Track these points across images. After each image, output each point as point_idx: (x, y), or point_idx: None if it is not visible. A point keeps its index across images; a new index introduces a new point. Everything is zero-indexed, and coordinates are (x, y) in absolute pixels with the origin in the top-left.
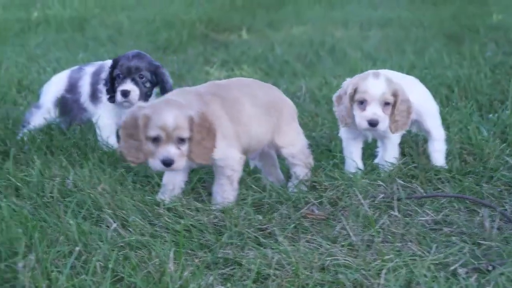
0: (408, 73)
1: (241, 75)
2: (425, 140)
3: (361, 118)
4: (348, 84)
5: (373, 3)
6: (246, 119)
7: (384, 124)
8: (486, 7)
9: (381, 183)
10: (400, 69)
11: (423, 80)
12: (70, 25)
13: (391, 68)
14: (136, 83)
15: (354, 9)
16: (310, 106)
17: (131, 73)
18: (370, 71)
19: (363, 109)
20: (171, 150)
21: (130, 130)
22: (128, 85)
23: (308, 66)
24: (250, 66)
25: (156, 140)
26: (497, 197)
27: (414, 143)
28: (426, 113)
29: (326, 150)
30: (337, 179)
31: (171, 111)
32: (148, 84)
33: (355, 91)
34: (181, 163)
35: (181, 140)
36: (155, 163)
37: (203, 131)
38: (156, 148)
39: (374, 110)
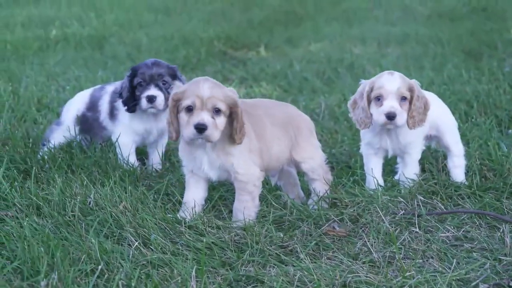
0: (427, 89)
1: (259, 92)
2: (445, 156)
3: (378, 113)
4: (364, 85)
5: (390, 20)
6: (268, 137)
7: (402, 117)
8: (503, 23)
9: (401, 199)
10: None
11: (441, 96)
12: (89, 43)
13: None
14: (160, 88)
15: (371, 26)
16: (329, 123)
17: (154, 80)
18: (385, 71)
19: (381, 104)
20: (204, 117)
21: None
22: (153, 91)
23: (326, 83)
24: (269, 83)
25: (189, 109)
26: None
27: (434, 159)
28: (445, 129)
29: (346, 166)
30: (358, 195)
31: (207, 83)
32: (170, 89)
33: (371, 89)
34: (214, 133)
35: (217, 111)
36: (189, 131)
37: (242, 115)
38: (190, 117)
39: (391, 104)
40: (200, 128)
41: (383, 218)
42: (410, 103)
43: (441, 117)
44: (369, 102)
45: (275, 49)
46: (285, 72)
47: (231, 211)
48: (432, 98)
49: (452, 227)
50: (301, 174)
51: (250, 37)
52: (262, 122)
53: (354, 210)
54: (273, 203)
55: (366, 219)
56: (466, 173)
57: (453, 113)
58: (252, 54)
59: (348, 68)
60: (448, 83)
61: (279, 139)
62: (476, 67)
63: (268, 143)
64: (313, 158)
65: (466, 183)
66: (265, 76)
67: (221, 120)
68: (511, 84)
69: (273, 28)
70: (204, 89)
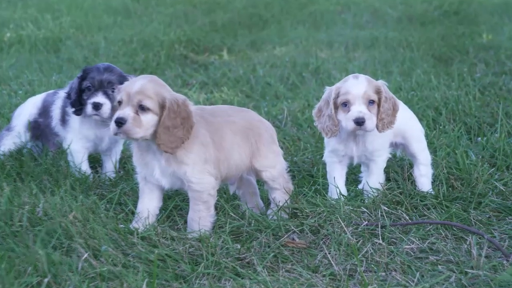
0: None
1: (220, 98)
2: (411, 165)
3: (347, 119)
4: (329, 91)
5: (359, 23)
6: (228, 146)
7: (371, 122)
8: (475, 27)
9: (365, 209)
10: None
11: (409, 102)
12: (44, 46)
13: None
14: (107, 96)
15: (339, 29)
16: (292, 130)
17: (103, 86)
18: (350, 75)
19: (348, 110)
20: (125, 111)
21: None
22: (100, 98)
23: (290, 88)
24: (231, 89)
25: (119, 104)
26: (486, 224)
27: (400, 168)
28: (411, 136)
29: (308, 175)
30: (319, 205)
31: (142, 80)
32: None
33: (337, 95)
34: (134, 129)
35: (142, 109)
36: (111, 125)
37: (177, 118)
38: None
39: (359, 108)
40: (118, 122)
41: (345, 229)
42: (379, 105)
43: (407, 124)
44: (335, 108)
45: (239, 53)
46: (248, 77)
47: (186, 222)
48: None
49: (417, 239)
50: (260, 182)
51: (212, 41)
52: (221, 130)
53: (315, 220)
54: (231, 213)
55: (327, 230)
56: (433, 183)
57: (421, 120)
58: (214, 58)
59: (313, 73)
60: (417, 88)
61: (239, 147)
62: (446, 72)
63: (227, 152)
64: (274, 167)
65: (432, 192)
66: (226, 81)
67: (148, 118)
68: (482, 90)
69: (237, 31)
70: (134, 85)
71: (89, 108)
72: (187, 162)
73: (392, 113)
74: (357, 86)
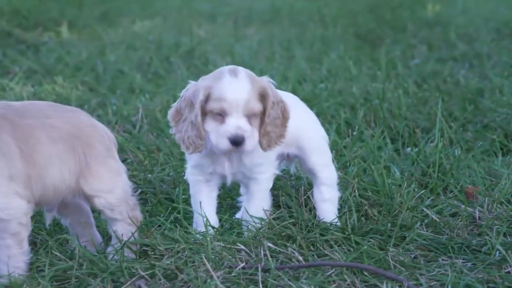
0: (295, 88)
1: (53, 92)
2: (310, 185)
3: (219, 135)
4: (195, 89)
5: None
6: (42, 158)
7: (252, 140)
8: None
9: (242, 247)
10: (284, 82)
11: (315, 99)
12: None
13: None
14: None
15: None
16: (149, 137)
17: None
18: (225, 68)
19: (221, 121)
20: None
21: None
22: None
23: (151, 79)
24: (68, 79)
25: None
26: (409, 267)
27: (294, 189)
28: (309, 146)
29: (166, 199)
30: (179, 241)
31: None
32: None
33: (207, 98)
34: None
35: None
36: None
37: None
38: None
39: (237, 123)
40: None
41: (213, 273)
42: (263, 113)
43: (304, 130)
44: (203, 115)
45: (83, 29)
46: (94, 63)
47: None
48: (292, 103)
49: (312, 287)
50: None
51: (47, 12)
52: (34, 137)
53: (172, 262)
54: (54, 251)
55: (188, 275)
56: (340, 210)
57: (330, 123)
58: (49, 36)
59: (185, 58)
60: (328, 79)
61: (59, 161)
62: (371, 57)
63: (42, 167)
64: (111, 191)
65: (338, 224)
66: (63, 68)
67: None
68: (419, 83)
69: None
70: None
71: None
72: None
73: (282, 122)
74: (236, 91)
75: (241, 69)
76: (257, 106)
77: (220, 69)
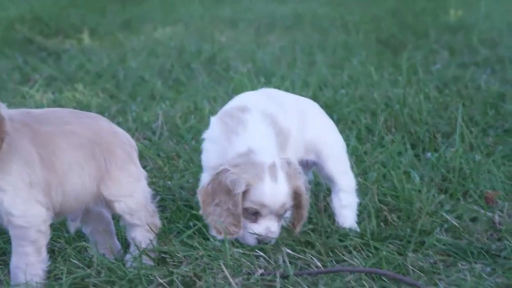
0: (315, 94)
1: (73, 99)
2: (329, 191)
3: (248, 232)
4: (236, 179)
5: None
6: (63, 165)
7: (276, 235)
8: (441, 1)
9: (261, 253)
10: (305, 88)
11: (336, 105)
12: None
13: (290, 87)
14: None
15: (249, 3)
16: (169, 143)
17: None
18: (265, 164)
19: (254, 220)
20: None
21: None
22: None
23: (172, 86)
24: (89, 86)
25: None
26: (428, 272)
27: (313, 194)
28: (327, 153)
29: (185, 206)
30: (198, 248)
31: None
32: None
33: (245, 196)
34: None
35: None
36: None
37: None
38: None
39: (269, 225)
40: None
41: (231, 280)
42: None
43: (322, 137)
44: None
45: (105, 37)
46: (115, 70)
47: (10, 272)
48: (309, 108)
49: None
50: (118, 216)
51: (69, 19)
52: (53, 143)
53: (190, 268)
54: (72, 258)
55: (206, 282)
56: (359, 216)
57: (351, 129)
58: (70, 44)
59: (206, 64)
60: (349, 85)
61: (80, 168)
62: (393, 63)
63: (62, 174)
64: (132, 195)
65: (357, 229)
66: (84, 75)
67: None
68: (440, 88)
69: (105, 6)
70: None
71: None
72: (3, 188)
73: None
74: (275, 197)
75: (279, 166)
76: (290, 204)
77: (259, 161)
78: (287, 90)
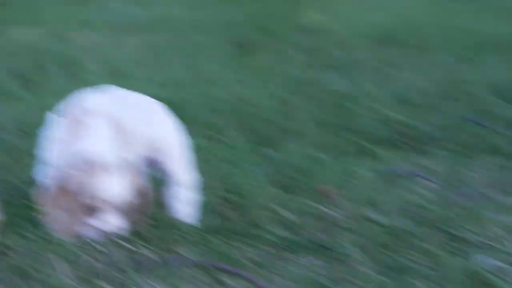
0: (169, 95)
1: None
2: (170, 188)
3: (88, 228)
4: (77, 176)
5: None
6: None
7: (115, 230)
8: (299, 5)
9: (103, 249)
10: (159, 88)
11: (188, 104)
12: None
13: (145, 87)
14: None
15: (109, 7)
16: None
17: None
18: (103, 160)
19: (93, 216)
20: None
21: None
22: None
23: (26, 86)
24: None
25: None
26: (263, 265)
27: (154, 190)
28: (167, 150)
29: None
30: (36, 241)
31: None
32: None
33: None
34: None
35: None
36: None
37: None
38: None
39: (107, 219)
40: None
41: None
42: None
43: (162, 134)
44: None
45: None
46: None
47: None
48: (154, 108)
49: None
50: None
51: None
52: None
53: (27, 261)
54: None
55: (45, 275)
56: (200, 212)
57: (197, 125)
58: None
59: (62, 65)
60: (201, 85)
61: None
62: (247, 65)
63: None
64: None
65: (195, 224)
66: None
67: None
68: (293, 90)
69: None
70: None
71: None
72: None
73: None
74: (114, 193)
75: (118, 164)
76: (130, 199)
77: (99, 161)
78: (141, 90)
